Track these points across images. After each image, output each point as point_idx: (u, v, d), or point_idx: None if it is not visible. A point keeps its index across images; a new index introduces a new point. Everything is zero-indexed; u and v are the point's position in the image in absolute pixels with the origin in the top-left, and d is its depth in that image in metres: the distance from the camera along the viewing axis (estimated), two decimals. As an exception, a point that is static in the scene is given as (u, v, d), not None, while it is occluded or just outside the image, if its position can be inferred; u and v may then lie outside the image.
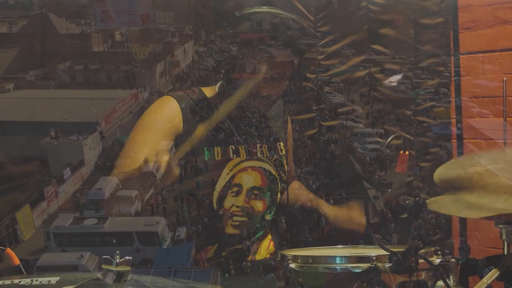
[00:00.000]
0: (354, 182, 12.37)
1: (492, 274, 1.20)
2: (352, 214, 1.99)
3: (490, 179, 1.15)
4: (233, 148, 1.88)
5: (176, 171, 1.53)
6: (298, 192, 2.14)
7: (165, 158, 1.53)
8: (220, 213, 1.87)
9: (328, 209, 2.09)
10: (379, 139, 14.21)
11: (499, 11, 1.83)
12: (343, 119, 15.91)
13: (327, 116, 16.52)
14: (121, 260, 1.09)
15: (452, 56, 1.97)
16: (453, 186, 1.21)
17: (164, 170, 1.52)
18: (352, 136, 15.53)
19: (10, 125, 15.62)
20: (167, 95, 1.91)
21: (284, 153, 2.00)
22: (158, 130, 1.80)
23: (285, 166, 2.00)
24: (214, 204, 1.87)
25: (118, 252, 1.11)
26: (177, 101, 1.85)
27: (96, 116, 15.40)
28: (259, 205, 1.91)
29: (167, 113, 1.84)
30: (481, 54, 1.88)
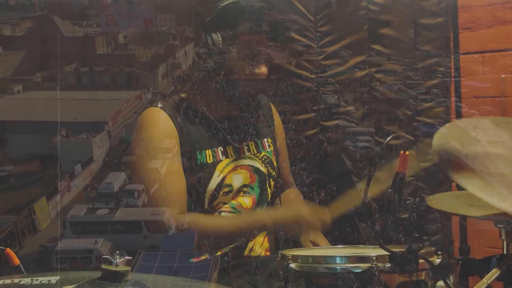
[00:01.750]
0: (344, 177, 12.47)
1: (492, 274, 1.14)
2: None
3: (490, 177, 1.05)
4: (222, 149, 1.79)
5: None
6: (291, 201, 1.98)
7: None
8: (208, 209, 1.79)
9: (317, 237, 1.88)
10: (370, 138, 14.39)
11: (499, 11, 1.74)
12: (337, 119, 15.78)
13: (319, 116, 16.40)
14: (121, 260, 1.02)
15: (452, 56, 1.87)
16: (451, 163, 1.09)
17: None
18: (345, 135, 15.55)
19: (23, 124, 15.62)
20: (152, 106, 1.82)
21: (272, 149, 1.92)
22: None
23: (274, 162, 1.91)
24: (206, 205, 1.79)
25: (118, 252, 1.04)
26: (165, 110, 1.78)
27: (104, 116, 15.54)
28: (247, 202, 1.82)
29: (157, 124, 1.77)
30: (481, 54, 1.78)
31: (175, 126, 1.73)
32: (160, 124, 1.75)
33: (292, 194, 2.04)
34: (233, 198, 1.80)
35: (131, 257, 1.05)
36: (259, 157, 1.86)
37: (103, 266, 1.00)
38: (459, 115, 1.89)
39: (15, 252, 1.21)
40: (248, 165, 1.83)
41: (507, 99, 1.50)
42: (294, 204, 1.93)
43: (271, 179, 1.88)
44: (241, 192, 1.81)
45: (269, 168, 1.88)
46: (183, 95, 1.88)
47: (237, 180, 1.80)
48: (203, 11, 1.69)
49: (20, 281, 1.03)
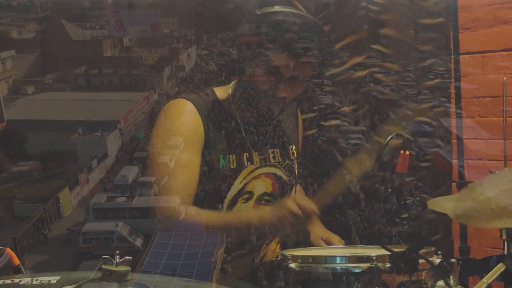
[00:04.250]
0: (335, 170, 12.66)
1: (492, 274, 1.05)
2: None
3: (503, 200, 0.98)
4: (247, 155, 1.62)
5: None
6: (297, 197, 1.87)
7: None
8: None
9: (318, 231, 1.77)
10: (361, 136, 14.51)
11: (499, 11, 1.62)
12: (331, 118, 15.62)
13: (316, 116, 16.28)
14: (121, 260, 0.95)
15: (452, 56, 1.76)
16: (472, 217, 1.08)
17: None
18: (338, 133, 15.49)
19: (42, 123, 15.71)
20: (181, 98, 1.62)
21: (296, 156, 1.77)
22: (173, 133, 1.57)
23: (296, 170, 1.76)
24: (223, 210, 1.64)
25: (118, 252, 0.98)
26: (193, 103, 1.58)
27: (116, 115, 15.64)
28: (269, 210, 1.66)
29: (182, 115, 1.57)
30: (481, 54, 1.67)
31: (202, 121, 1.55)
32: (185, 116, 1.55)
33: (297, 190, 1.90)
34: (254, 207, 1.65)
35: (131, 257, 0.97)
36: (283, 166, 1.71)
37: (103, 266, 0.93)
38: (458, 116, 1.78)
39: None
40: (272, 173, 1.68)
41: (507, 99, 1.40)
42: (285, 202, 1.70)
43: (290, 188, 1.73)
44: (263, 201, 1.67)
45: (291, 177, 1.73)
46: (215, 89, 1.67)
47: (259, 188, 1.66)
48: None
49: (20, 281, 0.97)
